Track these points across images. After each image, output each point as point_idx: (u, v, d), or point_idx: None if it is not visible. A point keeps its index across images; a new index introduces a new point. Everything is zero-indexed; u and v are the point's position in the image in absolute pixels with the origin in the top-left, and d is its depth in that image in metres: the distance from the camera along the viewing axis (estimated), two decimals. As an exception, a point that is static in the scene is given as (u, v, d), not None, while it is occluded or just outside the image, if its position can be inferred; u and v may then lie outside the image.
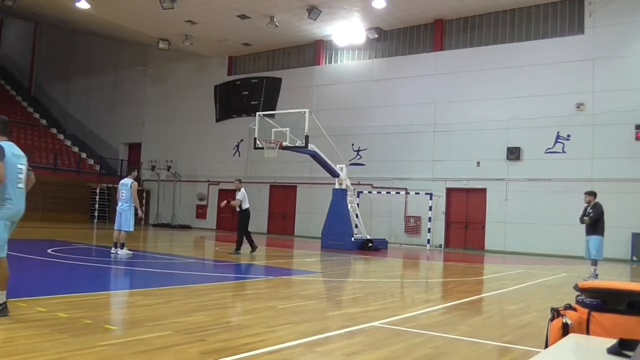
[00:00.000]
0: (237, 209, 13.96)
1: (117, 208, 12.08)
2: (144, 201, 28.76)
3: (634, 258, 17.53)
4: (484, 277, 12.06)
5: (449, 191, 21.67)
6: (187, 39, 26.16)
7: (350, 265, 12.87)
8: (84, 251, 12.83)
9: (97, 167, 31.18)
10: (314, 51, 26.07)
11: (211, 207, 28.47)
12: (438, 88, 22.05)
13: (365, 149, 23.58)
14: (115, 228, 11.97)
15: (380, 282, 9.77)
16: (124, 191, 11.99)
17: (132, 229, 11.96)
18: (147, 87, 31.79)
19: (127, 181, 12.06)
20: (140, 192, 12.31)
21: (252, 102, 27.20)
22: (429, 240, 20.71)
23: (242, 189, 13.93)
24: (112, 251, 11.78)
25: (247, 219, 13.83)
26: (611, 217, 18.02)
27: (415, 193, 21.37)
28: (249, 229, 13.96)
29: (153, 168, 29.70)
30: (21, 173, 5.17)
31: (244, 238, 13.70)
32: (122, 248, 11.72)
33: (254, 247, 13.77)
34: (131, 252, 11.88)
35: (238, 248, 13.63)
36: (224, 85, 28.79)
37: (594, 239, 11.07)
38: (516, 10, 21.07)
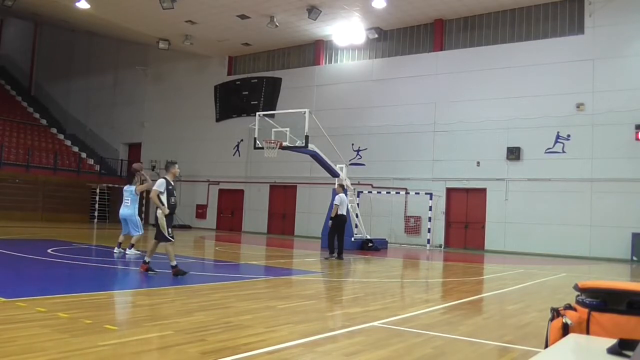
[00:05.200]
0: (332, 215, 13.76)
1: (120, 215, 12.03)
2: (143, 201, 28.73)
3: (634, 258, 17.53)
4: (484, 277, 12.06)
5: (449, 191, 21.66)
6: (187, 39, 26.17)
7: (350, 265, 12.87)
8: (84, 251, 12.83)
9: (97, 167, 31.18)
10: (314, 51, 26.07)
11: (211, 207, 28.47)
12: (438, 88, 22.05)
13: (365, 149, 23.58)
14: (123, 234, 12.00)
15: (380, 282, 9.77)
16: (128, 198, 12.02)
17: (142, 231, 12.11)
18: (147, 87, 31.79)
19: (131, 187, 12.13)
20: (140, 193, 12.42)
21: (252, 102, 27.19)
22: (429, 240, 20.70)
23: (339, 195, 13.72)
24: (114, 251, 11.81)
25: (340, 224, 13.61)
26: (611, 217, 18.17)
27: (415, 193, 21.37)
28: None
29: (153, 168, 29.68)
30: None
31: (334, 242, 13.63)
32: (130, 248, 11.78)
33: (340, 255, 13.60)
34: (139, 252, 11.93)
35: (340, 253, 13.54)
36: (224, 85, 28.79)
37: None
38: (516, 10, 21.07)
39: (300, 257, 14.74)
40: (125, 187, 12.30)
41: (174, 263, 8.48)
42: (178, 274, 8.38)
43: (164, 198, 8.59)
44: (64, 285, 7.66)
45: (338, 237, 13.70)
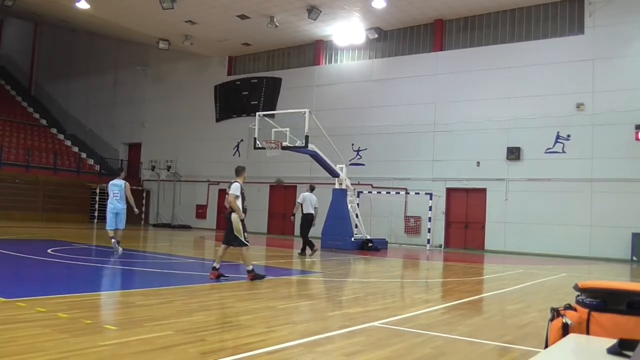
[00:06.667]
0: (298, 213, 14.21)
1: (111, 209, 12.20)
2: (143, 201, 28.79)
3: (634, 258, 17.53)
4: (484, 277, 12.06)
5: (449, 191, 21.66)
6: (187, 39, 26.17)
7: (350, 265, 12.87)
8: (84, 251, 12.83)
9: (97, 167, 31.17)
10: (314, 51, 26.07)
11: (211, 207, 28.46)
12: (438, 88, 22.05)
13: (365, 149, 23.58)
14: (108, 228, 12.12)
15: (380, 282, 9.77)
16: (117, 192, 12.15)
17: (124, 226, 12.46)
18: (147, 87, 31.79)
19: (119, 182, 12.25)
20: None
21: (252, 102, 27.20)
22: (429, 240, 20.70)
23: (303, 194, 14.27)
24: (113, 248, 11.84)
25: (303, 222, 14.17)
26: (611, 217, 18.17)
27: (415, 193, 21.36)
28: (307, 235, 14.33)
29: (153, 168, 29.67)
30: None
31: (305, 241, 14.18)
32: (117, 244, 11.99)
33: (307, 250, 14.06)
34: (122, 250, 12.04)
35: (307, 248, 14.07)
36: (224, 85, 28.79)
37: None
38: (516, 10, 21.07)
39: (300, 257, 14.72)
40: (115, 182, 12.50)
41: (250, 267, 8.38)
42: (256, 279, 8.24)
43: (238, 202, 8.41)
44: (64, 285, 7.65)
45: (302, 233, 14.22)
